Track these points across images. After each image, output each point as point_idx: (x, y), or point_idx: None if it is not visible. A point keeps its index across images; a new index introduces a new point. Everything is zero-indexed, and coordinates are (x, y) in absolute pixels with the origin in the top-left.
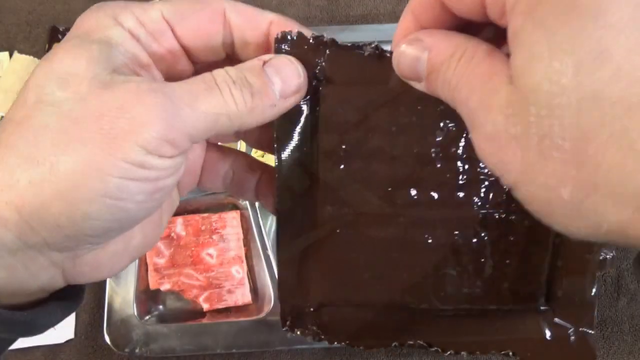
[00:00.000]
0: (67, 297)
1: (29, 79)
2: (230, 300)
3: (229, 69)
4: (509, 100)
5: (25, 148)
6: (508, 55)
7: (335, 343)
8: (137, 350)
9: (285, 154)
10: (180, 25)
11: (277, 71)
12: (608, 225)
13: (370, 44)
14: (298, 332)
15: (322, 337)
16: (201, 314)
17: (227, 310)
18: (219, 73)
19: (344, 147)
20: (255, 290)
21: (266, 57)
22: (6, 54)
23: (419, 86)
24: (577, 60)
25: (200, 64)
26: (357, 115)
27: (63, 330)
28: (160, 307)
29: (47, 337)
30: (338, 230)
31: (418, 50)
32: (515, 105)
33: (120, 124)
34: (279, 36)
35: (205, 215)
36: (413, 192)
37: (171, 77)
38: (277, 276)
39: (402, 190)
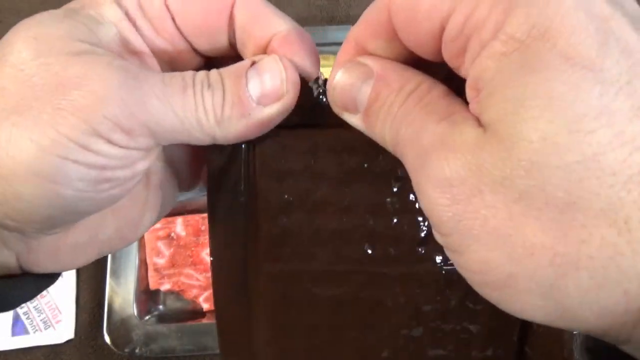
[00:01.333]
0: (41, 274)
1: (7, 35)
2: None
3: (214, 71)
4: (478, 144)
5: None
6: (465, 101)
7: None
8: (137, 350)
9: (219, 204)
10: (181, 15)
11: (258, 73)
12: (585, 317)
13: (317, 79)
14: None
15: None
16: (201, 314)
17: None
18: (200, 74)
19: (286, 196)
20: None
21: (258, 57)
22: None
23: (353, 119)
24: (573, 116)
25: (210, 59)
26: (301, 161)
27: (63, 330)
28: (160, 307)
29: (47, 337)
30: (281, 289)
31: (359, 77)
32: (489, 151)
33: (74, 96)
34: None
35: (205, 215)
36: (367, 247)
37: (176, 70)
38: (217, 334)
39: (354, 245)
